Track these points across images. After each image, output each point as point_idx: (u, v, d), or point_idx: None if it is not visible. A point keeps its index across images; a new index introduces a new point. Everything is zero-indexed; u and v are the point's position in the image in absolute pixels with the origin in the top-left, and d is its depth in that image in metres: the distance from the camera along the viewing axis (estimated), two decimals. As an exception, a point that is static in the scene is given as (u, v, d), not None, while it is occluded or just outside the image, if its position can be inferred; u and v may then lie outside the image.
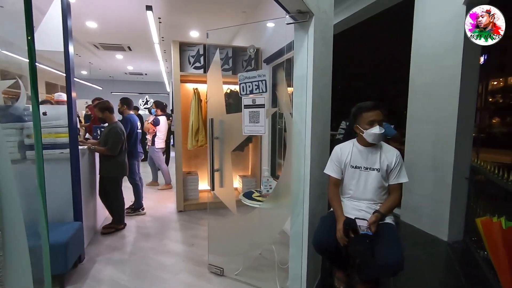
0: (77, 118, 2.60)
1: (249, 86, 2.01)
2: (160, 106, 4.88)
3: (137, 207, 3.70)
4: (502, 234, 1.68)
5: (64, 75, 2.28)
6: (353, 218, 1.59)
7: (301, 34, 1.83)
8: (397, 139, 3.70)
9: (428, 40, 3.19)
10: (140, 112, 8.09)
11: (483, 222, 1.84)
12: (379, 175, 1.62)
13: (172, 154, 5.70)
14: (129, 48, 7.24)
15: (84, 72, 11.03)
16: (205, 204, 3.81)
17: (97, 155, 3.13)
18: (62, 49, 2.26)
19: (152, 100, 11.14)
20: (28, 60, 0.77)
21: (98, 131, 3.62)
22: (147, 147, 5.14)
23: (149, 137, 4.80)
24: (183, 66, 3.76)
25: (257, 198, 2.29)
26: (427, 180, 3.17)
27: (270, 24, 3.72)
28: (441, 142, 3.03)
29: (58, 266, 1.97)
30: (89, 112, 5.81)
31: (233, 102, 3.50)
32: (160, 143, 4.73)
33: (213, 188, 2.17)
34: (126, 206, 3.43)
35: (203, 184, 4.17)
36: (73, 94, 2.32)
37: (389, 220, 1.64)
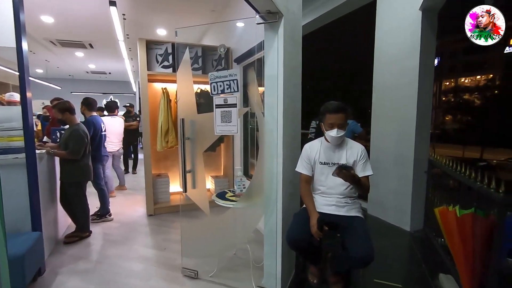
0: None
1: (220, 86, 1.99)
2: (109, 106, 4.58)
3: (103, 213, 3.51)
4: (456, 221, 1.84)
5: (17, 73, 2.09)
6: (325, 214, 1.64)
7: (271, 34, 1.85)
8: (363, 137, 3.89)
9: (389, 43, 3.39)
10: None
11: (440, 211, 2.00)
12: None
13: (141, 156, 5.45)
14: (91, 46, 6.83)
15: (39, 71, 10.23)
16: (177, 206, 3.72)
17: (57, 159, 2.92)
18: (13, 44, 2.07)
19: (117, 100, 10.61)
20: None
21: (58, 134, 3.37)
22: None
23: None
24: (150, 65, 3.63)
25: (231, 198, 2.28)
26: (391, 175, 3.37)
27: (240, 24, 3.72)
28: (402, 139, 3.23)
29: (15, 281, 1.80)
30: (48, 114, 5.39)
31: (204, 102, 3.45)
32: (108, 147, 4.08)
33: (185, 190, 2.12)
34: (91, 212, 3.24)
35: (174, 186, 4.07)
36: (28, 94, 2.14)
37: (358, 214, 1.72)
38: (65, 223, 3.18)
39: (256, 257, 2.35)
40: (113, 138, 4.32)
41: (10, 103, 3.58)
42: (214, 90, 2.01)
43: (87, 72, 10.97)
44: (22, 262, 1.83)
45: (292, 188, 2.01)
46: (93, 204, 3.34)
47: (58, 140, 3.29)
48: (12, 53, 2.09)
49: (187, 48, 2.21)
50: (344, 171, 1.50)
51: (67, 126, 3.01)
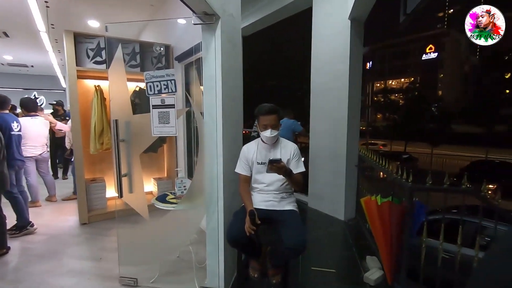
0: None
1: (157, 86, 1.93)
2: (25, 105, 3.78)
3: (22, 225, 3.07)
4: (377, 209, 2.09)
5: None
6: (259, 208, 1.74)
7: (208, 36, 1.86)
8: (303, 135, 4.14)
9: (323, 48, 3.65)
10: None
11: (365, 201, 2.25)
12: None
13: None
14: (6, 34, 5.93)
15: None
16: (114, 213, 3.47)
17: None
18: None
19: (42, 97, 9.37)
20: None
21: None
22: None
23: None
24: (80, 60, 3.31)
25: (171, 200, 2.23)
26: (327, 169, 3.65)
27: (182, 21, 3.62)
28: (336, 136, 3.52)
29: None
30: None
31: (141, 102, 3.28)
32: (26, 151, 3.61)
33: (121, 195, 2.00)
34: (8, 226, 2.82)
35: (111, 191, 3.78)
36: None
37: (293, 207, 1.84)
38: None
39: (201, 258, 2.33)
40: (33, 142, 3.78)
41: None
42: (151, 90, 1.94)
43: (3, 64, 9.48)
44: None
45: (234, 187, 2.05)
46: (11, 216, 2.93)
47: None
48: None
49: (120, 44, 2.08)
50: (275, 164, 1.61)
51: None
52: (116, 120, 1.95)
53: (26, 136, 3.51)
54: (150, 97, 1.94)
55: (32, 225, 3.13)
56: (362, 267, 2.39)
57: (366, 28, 3.45)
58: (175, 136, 3.58)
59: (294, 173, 1.74)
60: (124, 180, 2.01)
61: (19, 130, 3.18)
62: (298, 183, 1.79)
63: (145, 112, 2.02)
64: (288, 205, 1.83)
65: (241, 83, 2.43)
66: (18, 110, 5.26)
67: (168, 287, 2.12)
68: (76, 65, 3.25)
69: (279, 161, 1.63)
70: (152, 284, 2.14)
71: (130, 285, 2.12)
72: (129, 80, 2.41)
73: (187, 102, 3.10)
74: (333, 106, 3.54)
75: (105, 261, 2.51)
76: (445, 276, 1.88)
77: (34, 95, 10.53)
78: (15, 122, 3.13)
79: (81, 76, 3.40)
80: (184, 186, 2.30)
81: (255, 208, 1.70)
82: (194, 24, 1.84)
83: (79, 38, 3.28)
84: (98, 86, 3.50)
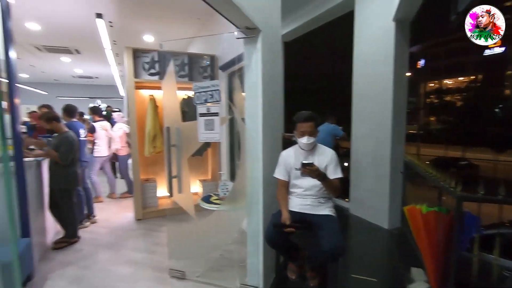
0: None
1: (204, 96, 2.11)
2: (96, 111, 4.51)
3: (84, 216, 3.57)
4: (422, 218, 2.01)
5: (6, 80, 2.14)
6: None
7: (250, 48, 1.99)
8: (345, 139, 4.08)
9: (366, 51, 3.57)
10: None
11: (408, 210, 2.16)
12: None
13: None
14: (77, 51, 6.82)
15: (24, 76, 10.07)
16: (165, 211, 3.80)
17: (45, 167, 2.96)
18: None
19: (104, 105, 10.52)
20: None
21: (45, 141, 3.40)
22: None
23: (90, 145, 4.28)
24: (137, 72, 3.71)
25: (215, 201, 2.39)
26: (370, 175, 3.54)
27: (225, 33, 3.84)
28: (379, 141, 3.40)
29: (6, 287, 1.86)
30: (34, 122, 5.30)
31: (189, 110, 3.55)
32: (98, 151, 4.27)
33: (171, 195, 2.22)
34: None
35: (162, 191, 4.14)
36: (16, 101, 2.20)
37: (330, 212, 1.86)
38: (53, 230, 3.21)
39: (241, 256, 2.46)
40: (102, 143, 4.37)
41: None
42: (198, 100, 2.13)
43: (73, 77, 10.87)
44: (12, 268, 1.88)
45: (273, 190, 2.14)
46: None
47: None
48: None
49: (172, 60, 2.32)
50: (307, 167, 1.67)
51: (56, 134, 3.05)
52: (168, 128, 2.18)
53: (97, 138, 4.24)
54: (197, 106, 2.13)
55: (94, 216, 3.63)
56: (406, 279, 2.29)
57: (416, 26, 3.29)
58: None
59: (331, 178, 1.77)
60: (174, 181, 2.23)
61: (85, 136, 3.68)
62: (335, 189, 1.82)
63: (192, 120, 2.22)
64: (325, 210, 1.86)
65: (281, 88, 2.51)
66: (86, 116, 6.05)
67: (212, 282, 2.27)
68: (134, 77, 3.65)
69: (311, 164, 1.69)
70: (197, 278, 2.32)
71: (178, 277, 2.33)
72: (179, 89, 2.66)
73: (230, 110, 3.29)
74: (376, 109, 3.43)
75: (158, 254, 2.77)
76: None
77: (98, 103, 11.87)
78: (81, 129, 3.63)
79: (138, 86, 3.82)
80: (227, 188, 2.45)
81: (292, 211, 1.77)
82: (237, 38, 1.98)
83: (137, 53, 3.69)
84: (152, 95, 3.88)
